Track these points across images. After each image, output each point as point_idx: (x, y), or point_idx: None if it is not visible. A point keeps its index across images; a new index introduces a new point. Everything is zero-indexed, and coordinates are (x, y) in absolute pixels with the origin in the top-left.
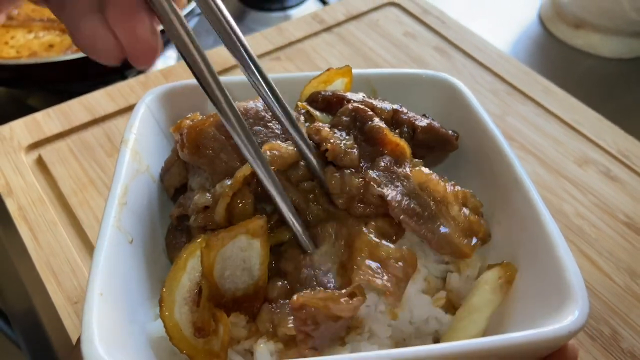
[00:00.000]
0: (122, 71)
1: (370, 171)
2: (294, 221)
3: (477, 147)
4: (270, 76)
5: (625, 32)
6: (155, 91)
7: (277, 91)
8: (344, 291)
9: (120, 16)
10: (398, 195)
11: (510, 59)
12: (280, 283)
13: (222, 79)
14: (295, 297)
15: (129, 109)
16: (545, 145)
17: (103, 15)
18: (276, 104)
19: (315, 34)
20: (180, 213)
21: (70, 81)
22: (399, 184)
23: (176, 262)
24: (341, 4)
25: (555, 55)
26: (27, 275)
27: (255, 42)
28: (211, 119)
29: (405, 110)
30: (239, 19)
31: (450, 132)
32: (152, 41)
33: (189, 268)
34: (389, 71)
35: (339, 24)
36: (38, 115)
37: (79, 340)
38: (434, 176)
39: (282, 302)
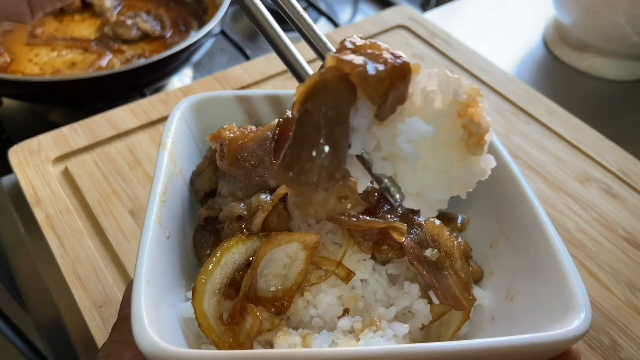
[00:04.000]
0: (141, 89)
1: (389, 216)
2: None
3: None
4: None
5: (627, 56)
6: (190, 99)
7: None
8: None
9: None
10: (412, 243)
11: (515, 80)
12: None
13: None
14: None
15: (151, 124)
16: (549, 164)
17: None
18: None
19: None
20: (208, 215)
21: (91, 98)
22: (413, 231)
23: (213, 256)
24: (352, 27)
25: (559, 78)
26: (53, 281)
27: (269, 62)
28: (252, 135)
29: None
30: (252, 39)
31: None
32: None
33: (223, 263)
34: None
35: None
36: (65, 130)
37: (119, 321)
38: (446, 232)
39: None
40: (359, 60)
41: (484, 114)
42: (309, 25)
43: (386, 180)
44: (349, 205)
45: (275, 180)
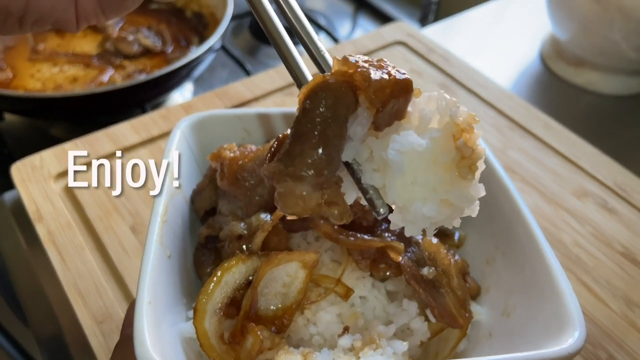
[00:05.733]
0: (141, 104)
1: (387, 234)
2: None
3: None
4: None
5: (623, 71)
6: (190, 118)
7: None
8: None
9: None
10: (409, 261)
11: (512, 95)
12: None
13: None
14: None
15: (151, 140)
16: (545, 178)
17: None
18: None
19: None
20: (209, 233)
21: (93, 113)
22: (410, 250)
23: (214, 275)
24: (351, 43)
25: (556, 93)
26: (54, 296)
27: (269, 77)
28: (252, 154)
29: None
30: (252, 54)
31: None
32: None
33: (223, 282)
34: None
35: None
36: (66, 146)
37: (121, 341)
38: (442, 250)
39: None
40: (364, 63)
41: (478, 141)
42: (311, 38)
43: (371, 192)
44: (336, 211)
45: (264, 175)
